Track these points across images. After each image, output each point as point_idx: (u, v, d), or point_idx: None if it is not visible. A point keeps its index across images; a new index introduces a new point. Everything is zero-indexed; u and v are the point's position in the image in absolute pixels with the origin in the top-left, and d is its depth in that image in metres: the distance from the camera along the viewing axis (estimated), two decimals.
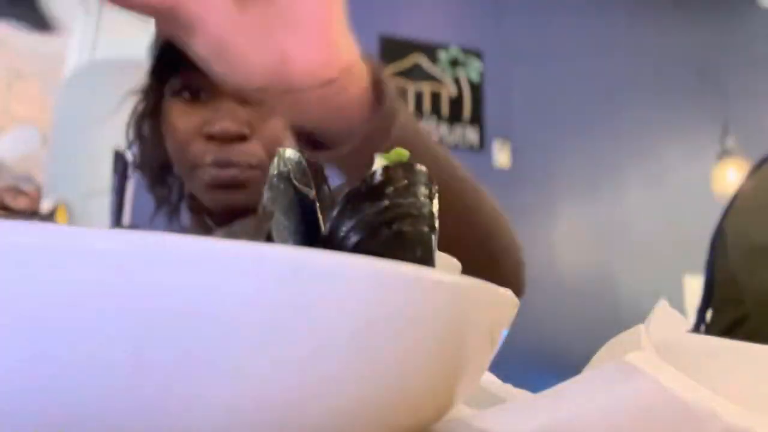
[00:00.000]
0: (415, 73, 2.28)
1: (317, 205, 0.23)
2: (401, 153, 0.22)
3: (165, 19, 0.37)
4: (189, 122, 0.62)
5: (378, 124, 0.39)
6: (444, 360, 0.17)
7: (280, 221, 0.23)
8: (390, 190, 0.20)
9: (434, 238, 0.22)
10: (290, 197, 0.24)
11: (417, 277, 0.15)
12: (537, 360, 2.07)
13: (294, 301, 0.13)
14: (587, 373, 0.17)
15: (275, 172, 0.24)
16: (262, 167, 0.61)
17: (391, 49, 2.22)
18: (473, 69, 2.40)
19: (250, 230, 0.23)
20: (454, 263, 0.33)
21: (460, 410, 0.22)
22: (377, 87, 0.41)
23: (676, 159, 2.73)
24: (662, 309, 0.25)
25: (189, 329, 0.13)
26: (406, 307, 0.15)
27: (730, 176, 2.38)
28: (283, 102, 0.38)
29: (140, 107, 0.68)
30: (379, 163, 0.21)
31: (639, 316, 0.50)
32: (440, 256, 0.33)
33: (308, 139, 0.42)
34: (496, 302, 0.18)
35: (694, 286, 2.42)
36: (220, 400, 0.14)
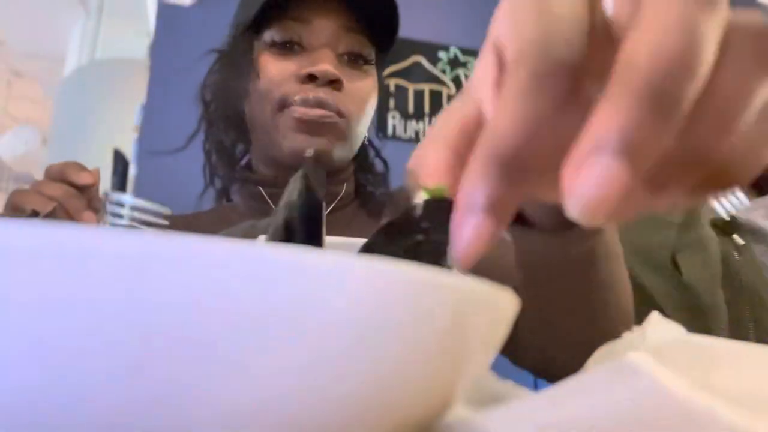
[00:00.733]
0: (415, 73, 2.28)
1: (323, 204, 0.23)
2: (443, 189, 0.21)
3: None
4: (284, 67, 0.64)
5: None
6: (444, 360, 0.17)
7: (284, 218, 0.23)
8: (426, 224, 0.20)
9: None
10: (301, 193, 0.24)
11: (417, 277, 0.15)
12: None
13: (294, 302, 0.13)
14: (587, 372, 0.17)
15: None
16: (349, 118, 0.65)
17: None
18: (473, 69, 2.40)
19: (249, 230, 0.23)
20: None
21: (460, 410, 0.22)
22: None
23: None
24: (655, 318, 0.25)
25: (189, 329, 0.13)
26: (406, 307, 0.15)
27: None
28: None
29: (224, 63, 0.71)
30: (421, 197, 0.20)
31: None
32: None
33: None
34: (497, 302, 0.18)
35: None
36: (222, 399, 0.14)
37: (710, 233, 0.68)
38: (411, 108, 2.22)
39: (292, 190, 0.24)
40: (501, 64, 0.20)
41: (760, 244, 0.67)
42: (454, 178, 0.20)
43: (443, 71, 2.33)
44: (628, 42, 0.16)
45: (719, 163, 0.17)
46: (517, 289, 0.32)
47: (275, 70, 0.64)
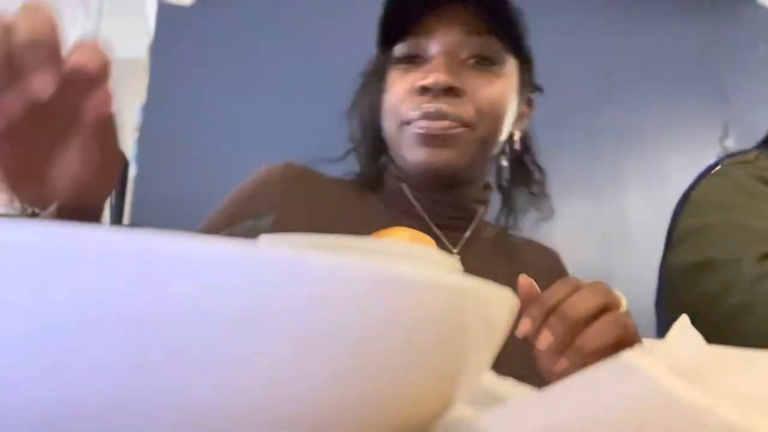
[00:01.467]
0: None
1: None
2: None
3: None
4: (405, 82, 0.64)
5: None
6: (444, 359, 0.17)
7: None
8: None
9: None
10: None
11: (417, 277, 0.15)
12: None
13: (295, 302, 0.13)
14: (586, 372, 0.17)
15: None
16: (472, 126, 0.62)
17: None
18: None
19: (250, 231, 0.23)
20: (455, 263, 0.33)
21: (460, 410, 0.22)
22: None
23: (676, 159, 2.73)
24: (682, 324, 0.25)
25: (189, 329, 0.13)
26: (406, 307, 0.15)
27: None
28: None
29: (365, 82, 0.72)
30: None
31: (639, 316, 0.50)
32: (440, 256, 0.33)
33: None
34: (496, 302, 0.18)
35: None
36: (222, 398, 0.14)
37: None
38: None
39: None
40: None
41: None
42: None
43: None
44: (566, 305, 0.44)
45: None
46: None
47: (398, 86, 0.64)
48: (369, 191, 0.71)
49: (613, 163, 2.65)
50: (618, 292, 0.46)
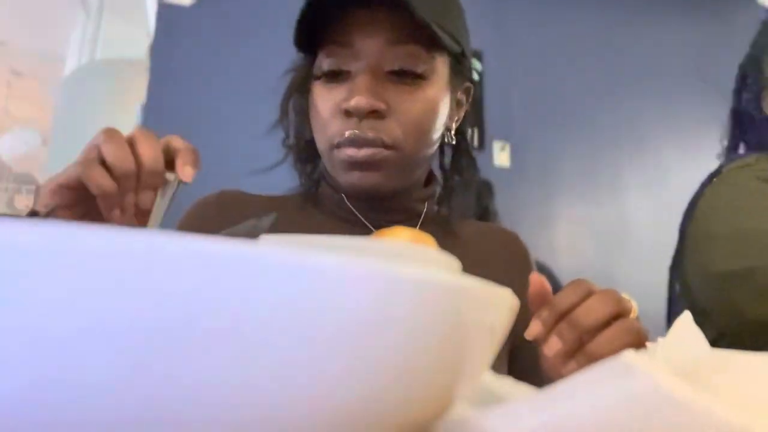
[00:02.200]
0: None
1: None
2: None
3: None
4: (329, 101, 0.62)
5: None
6: (444, 359, 0.17)
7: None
8: None
9: None
10: None
11: (417, 277, 0.15)
12: None
13: (295, 302, 0.13)
14: (586, 372, 0.17)
15: None
16: (397, 147, 0.61)
17: None
18: (473, 69, 2.40)
19: (251, 230, 0.23)
20: (455, 263, 0.33)
21: (460, 410, 0.22)
22: None
23: (676, 159, 2.73)
24: (683, 322, 0.25)
25: (189, 329, 0.13)
26: (406, 307, 0.15)
27: None
28: None
29: (292, 84, 0.69)
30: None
31: (639, 316, 0.50)
32: (440, 256, 0.33)
33: None
34: (496, 302, 0.18)
35: None
36: (222, 399, 0.14)
37: None
38: None
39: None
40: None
41: None
42: None
43: None
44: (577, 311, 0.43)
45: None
46: None
47: (323, 105, 0.62)
48: (310, 204, 0.70)
49: (613, 163, 2.66)
50: (629, 298, 0.46)
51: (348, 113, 0.59)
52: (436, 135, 0.65)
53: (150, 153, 0.43)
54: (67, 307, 0.13)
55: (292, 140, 0.70)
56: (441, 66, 0.63)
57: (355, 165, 0.60)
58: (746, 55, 0.86)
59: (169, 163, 0.45)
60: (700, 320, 0.65)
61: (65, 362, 0.13)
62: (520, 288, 0.45)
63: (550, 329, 0.43)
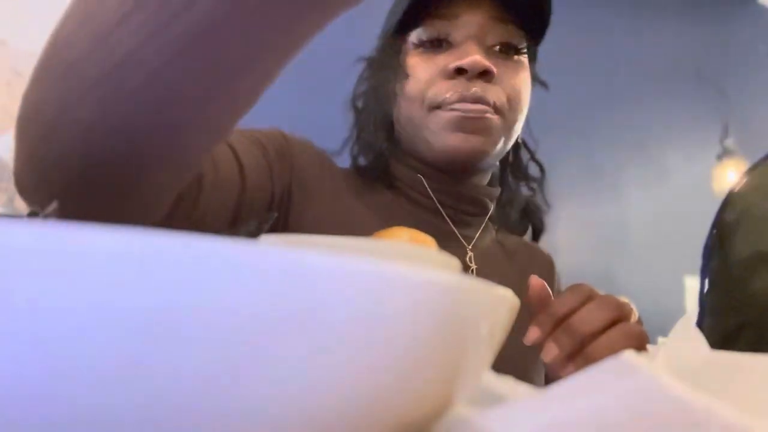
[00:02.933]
0: None
1: None
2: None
3: None
4: (432, 65, 0.61)
5: None
6: (444, 359, 0.17)
7: None
8: None
9: None
10: None
11: (417, 277, 0.15)
12: None
13: (293, 301, 0.13)
14: (586, 372, 0.17)
15: None
16: (503, 113, 0.61)
17: None
18: None
19: (252, 230, 0.23)
20: (455, 263, 0.33)
21: (460, 410, 0.22)
22: None
23: (676, 159, 2.73)
24: (684, 323, 0.25)
25: (189, 329, 0.13)
26: (406, 307, 0.15)
27: (730, 176, 2.39)
28: None
29: (374, 69, 0.69)
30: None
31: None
32: (440, 256, 0.33)
33: None
34: (496, 302, 0.18)
35: (694, 287, 2.42)
36: (220, 399, 0.14)
37: None
38: None
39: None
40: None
41: None
42: None
43: None
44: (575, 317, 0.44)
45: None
46: None
47: (424, 69, 0.62)
48: (380, 183, 0.68)
49: (613, 164, 2.66)
50: (627, 302, 0.46)
51: (459, 71, 0.59)
52: (523, 118, 0.66)
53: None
54: (67, 308, 0.13)
55: (368, 120, 0.69)
56: (529, 56, 0.66)
57: (464, 123, 0.59)
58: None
59: None
60: (723, 308, 0.65)
61: (64, 364, 0.13)
62: None
63: (548, 335, 0.43)
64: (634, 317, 0.46)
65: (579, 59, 2.65)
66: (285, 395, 0.14)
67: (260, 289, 0.13)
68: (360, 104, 0.71)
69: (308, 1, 0.27)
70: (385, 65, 0.67)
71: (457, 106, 0.59)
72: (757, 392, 0.19)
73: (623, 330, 0.43)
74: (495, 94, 0.60)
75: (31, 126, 0.31)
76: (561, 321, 0.44)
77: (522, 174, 0.74)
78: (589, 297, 0.44)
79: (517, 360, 0.54)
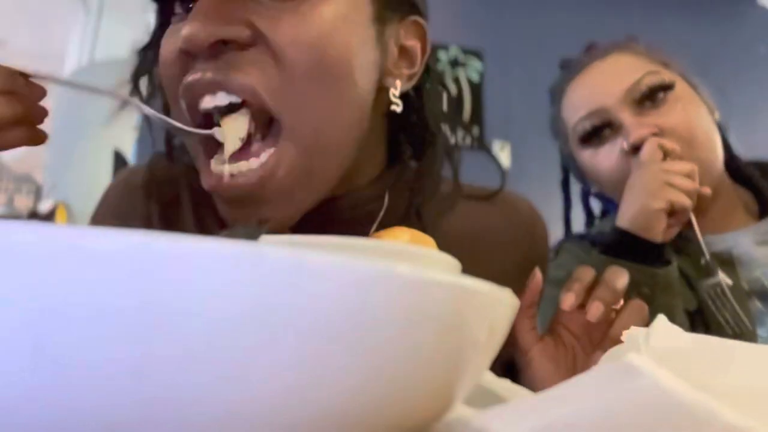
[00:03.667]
0: None
1: None
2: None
3: None
4: (173, 42, 0.38)
5: None
6: (444, 359, 0.17)
7: None
8: None
9: None
10: None
11: (417, 277, 0.15)
12: None
13: (293, 301, 0.13)
14: (587, 373, 0.17)
15: None
16: (269, 106, 0.36)
17: None
18: (473, 69, 2.40)
19: (251, 232, 0.23)
20: (454, 263, 0.33)
21: (460, 410, 0.22)
22: None
23: None
24: (660, 323, 0.25)
25: (188, 329, 0.13)
26: (405, 306, 0.15)
27: None
28: None
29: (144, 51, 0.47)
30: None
31: None
32: (440, 256, 0.33)
33: None
34: (496, 302, 0.18)
35: None
36: (220, 398, 0.14)
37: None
38: None
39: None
40: None
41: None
42: None
43: (443, 71, 2.33)
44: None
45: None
46: None
47: (165, 50, 0.40)
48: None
49: None
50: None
51: (186, 55, 0.36)
52: (352, 85, 0.38)
53: None
54: (67, 308, 0.12)
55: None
56: None
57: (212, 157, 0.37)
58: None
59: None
60: None
61: (64, 365, 0.13)
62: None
63: (582, 299, 0.45)
64: None
65: None
66: (284, 394, 0.14)
67: (260, 288, 0.13)
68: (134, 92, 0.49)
69: None
70: (150, 46, 0.46)
71: (183, 104, 0.38)
72: (740, 380, 0.19)
73: (636, 307, 0.46)
74: (249, 77, 0.35)
75: None
76: (591, 285, 0.46)
77: (416, 149, 0.49)
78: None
79: None
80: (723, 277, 0.64)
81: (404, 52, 0.45)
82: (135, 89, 0.47)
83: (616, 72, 0.73)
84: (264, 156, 0.36)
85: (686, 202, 0.59)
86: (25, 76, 0.36)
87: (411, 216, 0.47)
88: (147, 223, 0.47)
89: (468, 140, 2.28)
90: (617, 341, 0.43)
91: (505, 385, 0.32)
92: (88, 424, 0.13)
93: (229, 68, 0.34)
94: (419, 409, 0.17)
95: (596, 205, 0.89)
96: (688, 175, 0.61)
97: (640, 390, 0.14)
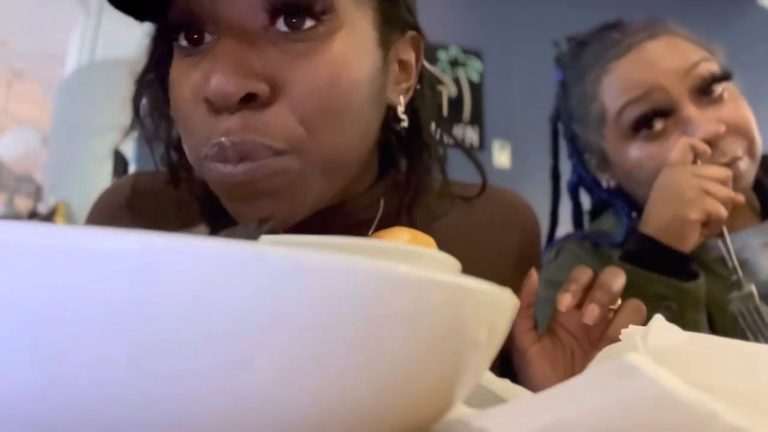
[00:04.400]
0: None
1: None
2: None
3: None
4: (188, 82, 0.39)
5: None
6: (444, 359, 0.17)
7: None
8: None
9: None
10: None
11: (417, 277, 0.15)
12: None
13: (294, 301, 0.13)
14: (587, 372, 0.17)
15: None
16: (295, 148, 0.37)
17: None
18: (473, 69, 2.40)
19: (251, 232, 0.23)
20: (454, 263, 0.33)
21: (460, 410, 0.22)
22: None
23: None
24: (658, 321, 0.25)
25: (189, 329, 0.13)
26: (405, 306, 0.15)
27: None
28: None
29: (143, 73, 0.46)
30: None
31: None
32: (440, 256, 0.33)
33: None
34: (496, 302, 0.18)
35: None
36: (219, 398, 0.14)
37: None
38: None
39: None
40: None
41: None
42: None
43: (443, 71, 2.33)
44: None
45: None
46: None
47: (180, 90, 0.40)
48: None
49: None
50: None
51: (210, 104, 0.37)
52: (363, 115, 0.41)
53: None
54: (66, 307, 0.12)
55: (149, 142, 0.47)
56: (349, 3, 0.39)
57: (237, 190, 0.38)
58: (554, 123, 0.79)
59: None
60: None
61: (63, 364, 0.13)
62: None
63: (579, 300, 0.45)
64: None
65: None
66: (284, 394, 0.14)
67: (260, 289, 0.13)
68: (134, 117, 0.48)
69: None
70: (150, 70, 0.45)
71: (215, 166, 0.38)
72: (736, 378, 0.19)
73: (634, 307, 0.46)
74: (274, 127, 0.37)
75: None
76: (587, 287, 0.46)
77: (418, 161, 0.49)
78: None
79: None
80: (752, 289, 0.57)
81: (402, 65, 0.46)
82: (136, 117, 0.48)
83: (672, 53, 0.65)
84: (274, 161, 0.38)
85: (723, 213, 0.54)
86: None
87: (403, 221, 0.47)
88: None
89: (468, 140, 2.27)
90: (615, 341, 0.43)
91: (505, 385, 0.32)
92: (88, 422, 0.13)
93: (255, 133, 0.37)
94: (419, 409, 0.17)
95: (584, 200, 0.85)
96: (723, 182, 0.55)
97: (639, 389, 0.14)
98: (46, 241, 0.12)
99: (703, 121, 0.61)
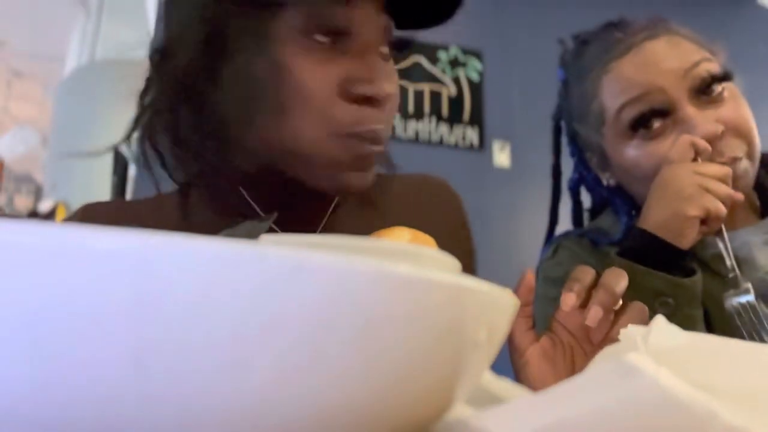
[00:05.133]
0: (415, 73, 2.27)
1: None
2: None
3: None
4: (328, 76, 0.45)
5: None
6: (444, 359, 0.17)
7: None
8: None
9: None
10: None
11: (417, 277, 0.15)
12: None
13: (294, 301, 0.13)
14: (586, 373, 0.17)
15: None
16: (385, 142, 0.49)
17: None
18: (473, 69, 2.40)
19: (251, 231, 0.23)
20: (454, 263, 0.33)
21: (460, 410, 0.22)
22: None
23: None
24: (658, 321, 0.25)
25: (189, 328, 0.13)
26: (405, 306, 0.15)
27: None
28: None
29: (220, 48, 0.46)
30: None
31: None
32: (440, 256, 0.33)
33: None
34: (496, 302, 0.18)
35: None
36: (219, 397, 0.14)
37: None
38: (411, 108, 2.22)
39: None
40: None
41: None
42: None
43: (443, 71, 2.33)
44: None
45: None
46: None
47: (317, 83, 0.44)
48: (192, 205, 0.53)
49: None
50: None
51: (369, 101, 0.45)
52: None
53: None
54: (67, 308, 0.12)
55: (192, 126, 0.48)
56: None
57: (357, 161, 0.46)
58: (556, 121, 0.80)
59: None
60: None
61: (63, 364, 0.13)
62: (453, 243, 0.45)
63: (583, 300, 0.46)
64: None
65: None
66: (284, 394, 0.14)
67: (261, 288, 0.13)
68: (179, 104, 0.49)
69: None
70: (234, 44, 0.45)
71: (354, 145, 0.46)
72: (736, 379, 0.19)
73: (637, 309, 0.46)
74: (386, 123, 0.48)
75: None
76: (590, 287, 0.46)
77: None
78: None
79: None
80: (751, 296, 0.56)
81: None
82: (141, 112, 0.52)
83: (672, 54, 0.65)
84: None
85: (723, 210, 0.54)
86: None
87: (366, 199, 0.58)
88: None
89: (468, 140, 2.27)
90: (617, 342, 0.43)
91: (505, 385, 0.32)
92: (88, 422, 0.13)
93: (387, 125, 0.49)
94: (419, 409, 0.17)
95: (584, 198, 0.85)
96: (723, 179, 0.55)
97: (639, 389, 0.14)
98: (46, 240, 0.12)
99: (702, 121, 0.61)
